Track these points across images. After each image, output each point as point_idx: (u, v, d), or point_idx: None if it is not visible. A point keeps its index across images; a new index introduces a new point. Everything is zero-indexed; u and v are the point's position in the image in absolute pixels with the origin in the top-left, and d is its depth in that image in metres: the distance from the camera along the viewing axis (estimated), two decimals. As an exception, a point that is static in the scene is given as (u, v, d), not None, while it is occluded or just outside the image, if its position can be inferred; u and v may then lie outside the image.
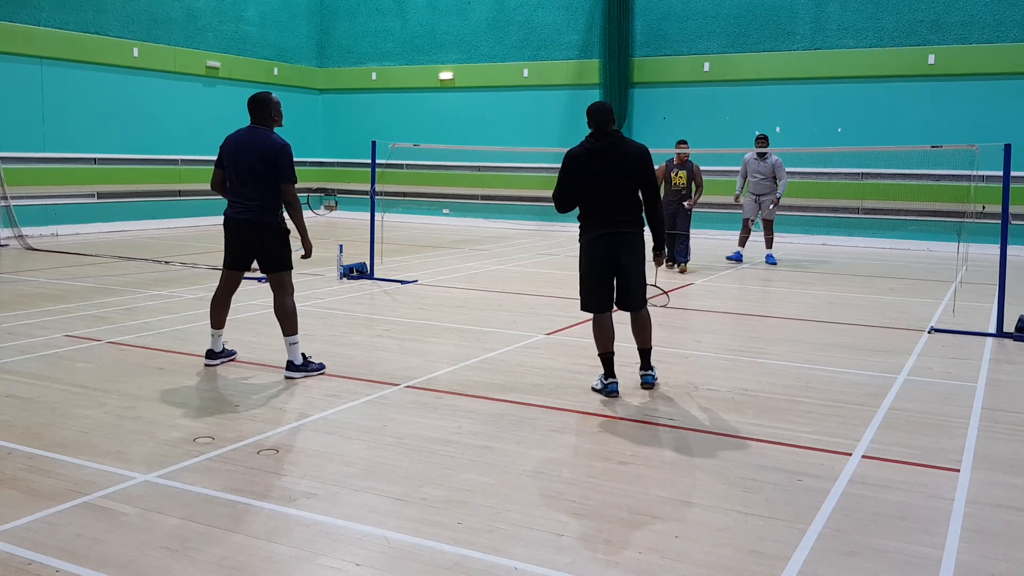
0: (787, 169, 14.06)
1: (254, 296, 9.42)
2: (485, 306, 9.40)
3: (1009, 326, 8.24)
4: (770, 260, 13.87)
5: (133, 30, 17.72)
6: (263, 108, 6.26)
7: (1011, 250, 9.58)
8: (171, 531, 3.65)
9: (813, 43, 17.62)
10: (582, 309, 6.10)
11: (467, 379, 6.26)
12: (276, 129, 6.35)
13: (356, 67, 22.24)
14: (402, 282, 10.91)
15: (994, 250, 10.01)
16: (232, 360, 6.65)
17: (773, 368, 6.81)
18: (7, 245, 14.62)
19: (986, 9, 16.26)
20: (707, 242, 16.74)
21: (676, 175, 12.67)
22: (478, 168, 20.90)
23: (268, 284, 6.49)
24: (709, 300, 10.27)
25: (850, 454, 4.76)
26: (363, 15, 22.02)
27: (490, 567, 3.39)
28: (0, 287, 10.24)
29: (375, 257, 11.35)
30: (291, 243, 6.36)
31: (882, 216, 17.15)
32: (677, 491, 4.21)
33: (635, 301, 6.02)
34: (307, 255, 6.39)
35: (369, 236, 11.41)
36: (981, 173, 14.30)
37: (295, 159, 6.30)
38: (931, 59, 16.61)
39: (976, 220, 15.49)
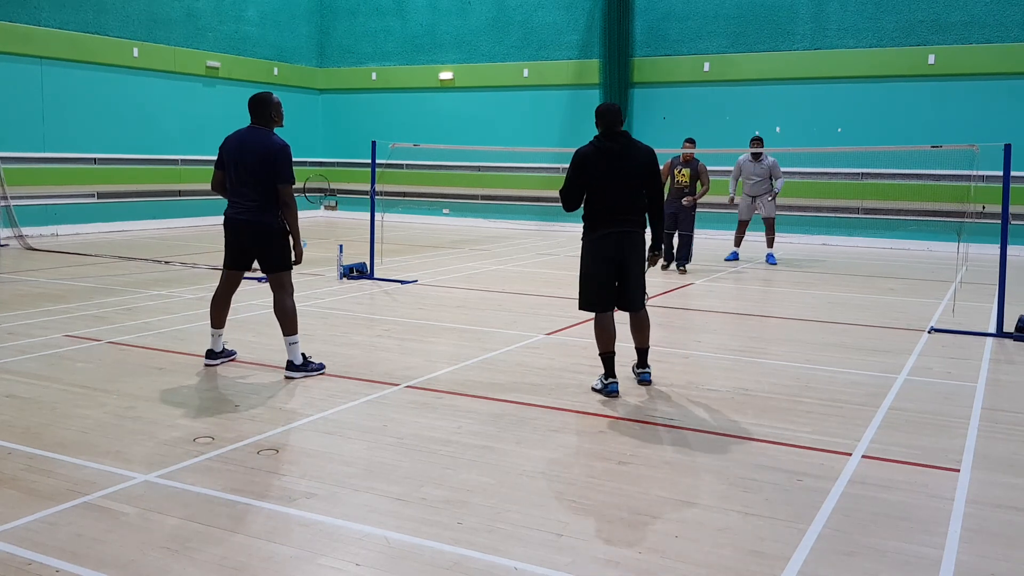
0: (788, 169, 14.09)
1: (254, 296, 9.42)
2: (485, 306, 9.40)
3: (1009, 326, 8.24)
4: (771, 260, 13.87)
5: (133, 30, 17.72)
6: (264, 108, 6.26)
7: (1011, 250, 9.58)
8: (171, 531, 3.66)
9: (813, 43, 17.62)
10: (580, 308, 6.08)
11: (467, 379, 6.26)
12: (276, 130, 6.36)
13: (356, 67, 22.24)
14: (402, 282, 10.91)
15: (994, 250, 10.02)
16: (232, 360, 6.65)
17: (773, 368, 6.81)
18: (7, 245, 14.62)
19: (986, 9, 16.26)
20: (707, 242, 16.74)
21: (680, 173, 12.64)
22: (478, 168, 20.90)
23: (268, 284, 6.49)
24: (709, 300, 10.27)
25: (850, 454, 4.76)
26: (363, 15, 22.02)
27: (490, 567, 3.39)
28: (0, 287, 10.24)
29: (375, 257, 11.35)
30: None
31: (882, 216, 17.15)
32: (677, 491, 4.21)
33: (636, 301, 6.04)
34: (297, 261, 6.36)
35: (369, 236, 11.41)
36: (981, 173, 14.30)
37: (295, 159, 6.30)
38: (931, 59, 16.61)
39: (976, 220, 15.49)
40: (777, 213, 14.24)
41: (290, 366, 6.23)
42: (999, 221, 8.36)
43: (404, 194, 21.07)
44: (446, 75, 21.07)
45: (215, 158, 6.43)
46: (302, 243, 6.35)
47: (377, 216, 11.59)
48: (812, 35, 17.62)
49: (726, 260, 14.15)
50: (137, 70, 17.79)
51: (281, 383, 6.09)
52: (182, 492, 4.09)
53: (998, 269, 8.41)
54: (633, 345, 6.26)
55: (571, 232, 18.82)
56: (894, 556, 3.54)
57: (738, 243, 14.35)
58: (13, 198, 15.47)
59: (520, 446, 4.82)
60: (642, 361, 6.23)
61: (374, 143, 11.49)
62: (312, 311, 8.68)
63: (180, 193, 18.82)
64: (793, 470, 4.51)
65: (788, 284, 11.82)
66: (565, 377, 6.37)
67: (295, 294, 6.48)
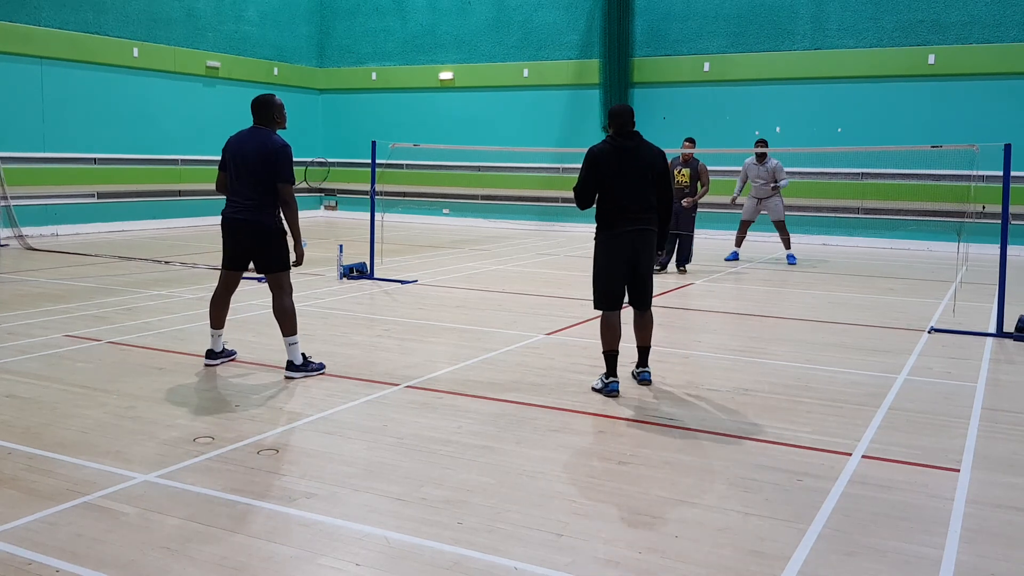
0: (788, 169, 14.15)
1: (254, 296, 9.42)
2: (485, 306, 9.40)
3: (1009, 326, 8.24)
4: (791, 260, 13.94)
5: (133, 30, 17.72)
6: (266, 110, 6.28)
7: (1011, 250, 9.58)
8: (171, 531, 3.65)
9: (813, 43, 17.62)
10: (596, 307, 6.09)
11: (467, 379, 6.26)
12: (279, 132, 6.37)
13: (356, 67, 22.24)
14: (402, 282, 10.91)
15: (994, 250, 10.02)
16: (232, 360, 6.65)
17: (773, 368, 6.81)
18: (7, 245, 14.62)
19: (986, 9, 16.26)
20: (708, 242, 16.74)
21: (679, 173, 12.62)
22: (478, 168, 20.90)
23: (267, 284, 6.49)
24: (709, 300, 10.27)
25: (850, 454, 4.76)
26: (363, 15, 22.02)
27: (490, 567, 3.39)
28: (0, 287, 10.24)
29: (375, 257, 11.35)
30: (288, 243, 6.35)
31: (882, 216, 17.15)
32: (677, 491, 4.21)
33: (647, 299, 6.09)
34: (298, 262, 6.34)
35: (369, 236, 11.41)
36: (981, 173, 14.30)
37: (295, 159, 6.30)
38: (931, 59, 16.61)
39: (976, 220, 15.49)
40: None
41: (290, 366, 6.23)
42: (999, 221, 8.36)
43: (404, 194, 21.07)
44: (446, 75, 21.07)
45: (215, 158, 6.43)
46: (303, 243, 6.35)
47: (377, 216, 11.59)
48: (812, 35, 17.62)
49: (726, 260, 14.16)
50: (137, 70, 17.79)
51: (281, 383, 6.09)
52: (182, 492, 4.09)
53: (998, 269, 8.41)
54: (634, 344, 6.26)
55: (571, 232, 18.83)
56: (894, 556, 3.54)
57: (739, 243, 14.39)
58: (13, 198, 15.47)
59: (520, 446, 4.82)
60: (643, 360, 6.24)
61: (374, 143, 11.49)
62: (312, 311, 8.68)
63: (180, 193, 18.82)
64: (793, 470, 4.51)
65: (788, 284, 11.82)
66: (565, 377, 6.37)
67: (294, 294, 6.48)
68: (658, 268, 12.68)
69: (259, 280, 10.11)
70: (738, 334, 8.30)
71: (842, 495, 4.17)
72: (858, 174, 17.23)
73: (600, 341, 6.04)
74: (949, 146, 10.98)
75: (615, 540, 3.66)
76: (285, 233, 6.29)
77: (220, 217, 6.38)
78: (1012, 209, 10.86)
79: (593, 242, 6.12)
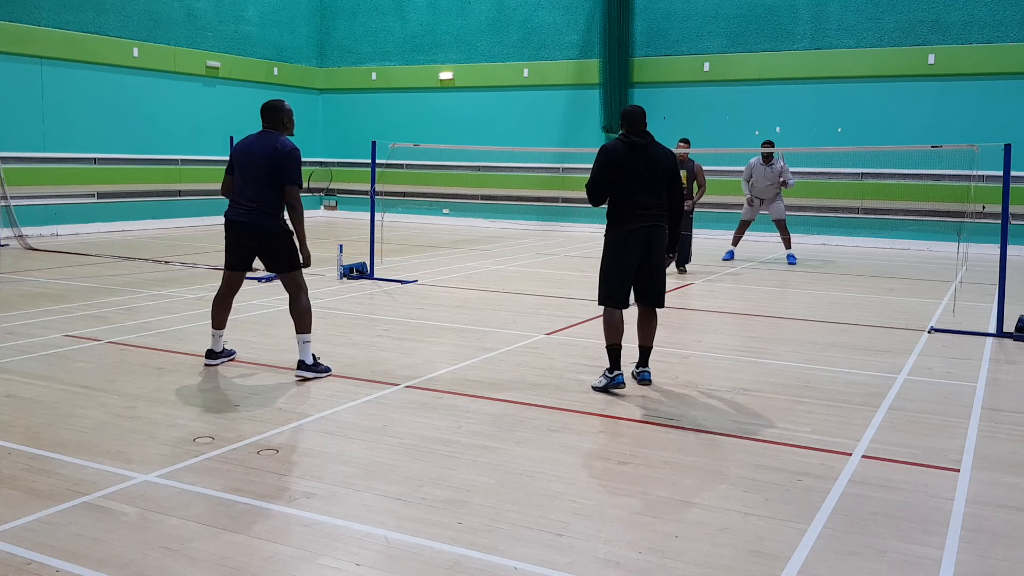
0: (790, 170, 14.18)
1: (255, 296, 9.42)
2: (485, 306, 9.40)
3: (1009, 326, 8.24)
4: (791, 260, 13.94)
5: (133, 30, 17.72)
6: (276, 114, 6.31)
7: (1011, 250, 9.59)
8: (171, 531, 3.66)
9: (813, 43, 17.62)
10: (600, 303, 6.09)
11: (467, 379, 6.26)
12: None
13: (356, 67, 22.24)
14: (402, 282, 10.91)
15: (994, 250, 10.02)
16: (232, 360, 6.65)
17: (773, 368, 6.81)
18: (7, 245, 14.62)
19: (986, 9, 16.26)
20: (708, 242, 16.74)
21: None
22: (478, 168, 20.90)
23: (277, 284, 6.47)
24: (709, 300, 10.27)
25: (850, 454, 4.76)
26: (363, 15, 22.02)
27: (490, 567, 3.39)
28: (0, 287, 10.24)
29: (375, 257, 11.35)
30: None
31: (882, 216, 17.15)
32: (677, 491, 4.21)
33: (660, 296, 6.11)
34: (306, 264, 6.35)
35: (369, 236, 11.41)
36: (981, 173, 14.31)
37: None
38: (931, 59, 16.61)
39: (976, 220, 15.49)
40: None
41: (301, 365, 6.20)
42: (999, 221, 8.36)
43: (404, 194, 21.07)
44: (446, 75, 21.07)
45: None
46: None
47: (377, 216, 11.59)
48: (812, 35, 17.62)
49: (723, 260, 14.17)
50: (137, 70, 17.79)
51: (282, 383, 6.09)
52: (182, 492, 4.09)
53: (998, 269, 8.41)
54: (636, 344, 6.25)
55: (571, 232, 18.82)
56: (894, 556, 3.54)
57: (736, 243, 14.40)
58: (13, 198, 15.47)
59: (520, 446, 4.82)
60: (643, 360, 6.24)
61: (374, 143, 11.49)
62: (312, 311, 8.66)
63: (180, 193, 18.81)
64: (793, 470, 4.51)
65: (788, 284, 11.83)
66: (565, 377, 6.37)
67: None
68: (681, 269, 12.65)
69: (260, 280, 10.12)
70: (738, 334, 8.31)
71: (842, 495, 4.17)
72: (858, 174, 17.23)
73: (603, 337, 6.04)
74: (949, 146, 10.98)
75: (615, 540, 3.66)
76: (291, 233, 6.29)
77: (223, 218, 6.39)
78: (1012, 209, 10.87)
79: (603, 240, 6.12)
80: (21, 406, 5.42)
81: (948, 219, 16.04)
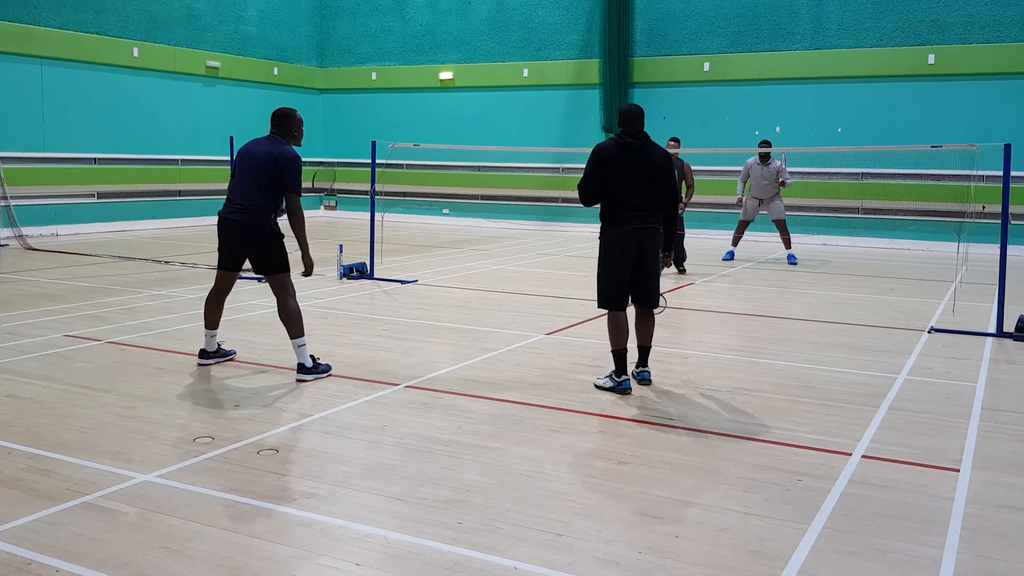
0: (788, 169, 14.16)
1: (254, 296, 9.42)
2: (485, 306, 9.40)
3: (1009, 326, 8.24)
4: (792, 260, 13.93)
5: (133, 30, 17.72)
6: (286, 122, 6.31)
7: (1011, 250, 9.58)
8: (171, 531, 3.65)
9: (813, 43, 17.62)
10: (600, 306, 6.09)
11: (467, 379, 6.26)
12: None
13: (356, 67, 22.24)
14: (402, 282, 10.91)
15: (994, 250, 10.02)
16: (231, 360, 6.65)
17: (773, 368, 6.81)
18: (7, 245, 14.62)
19: (986, 9, 16.26)
20: (707, 242, 16.74)
21: None
22: (478, 168, 20.91)
23: (269, 286, 6.47)
24: (709, 300, 10.27)
25: (850, 454, 4.76)
26: (363, 15, 22.02)
27: (490, 567, 3.39)
28: (0, 287, 10.24)
29: (375, 257, 11.35)
30: (286, 246, 6.33)
31: (882, 216, 17.15)
32: (677, 491, 4.21)
33: (654, 297, 6.10)
34: (307, 273, 6.31)
35: (369, 236, 11.41)
36: (981, 173, 14.31)
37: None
38: (931, 59, 16.61)
39: (976, 220, 15.49)
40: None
41: (301, 368, 6.19)
42: (999, 221, 8.36)
43: (404, 194, 21.07)
44: (446, 75, 21.07)
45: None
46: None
47: (377, 216, 11.59)
48: (812, 35, 17.62)
49: (723, 260, 14.17)
50: (137, 70, 17.79)
51: (282, 383, 6.09)
52: (182, 492, 4.09)
53: (998, 269, 8.41)
54: (635, 344, 6.26)
55: (571, 232, 18.82)
56: (894, 556, 3.54)
57: (736, 243, 14.41)
58: (13, 198, 15.47)
59: (520, 446, 4.82)
60: (643, 360, 6.24)
61: (374, 143, 11.49)
62: (312, 311, 8.68)
63: (180, 193, 18.81)
64: (793, 470, 4.51)
65: (788, 284, 11.83)
66: (565, 377, 6.37)
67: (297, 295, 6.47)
68: (681, 270, 12.64)
69: (260, 280, 10.12)
70: (738, 334, 8.30)
71: (842, 495, 4.17)
72: (858, 174, 17.23)
73: (608, 341, 6.03)
74: (949, 146, 10.99)
75: (615, 540, 3.66)
76: (282, 236, 6.28)
77: (216, 217, 6.39)
78: (1012, 209, 10.87)
79: (597, 242, 6.12)
80: (21, 406, 5.42)
81: (948, 219, 16.04)
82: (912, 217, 16.79)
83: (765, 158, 13.63)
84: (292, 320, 6.21)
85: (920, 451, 4.85)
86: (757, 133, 17.30)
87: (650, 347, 6.25)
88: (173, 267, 12.11)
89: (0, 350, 6.90)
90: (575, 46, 19.77)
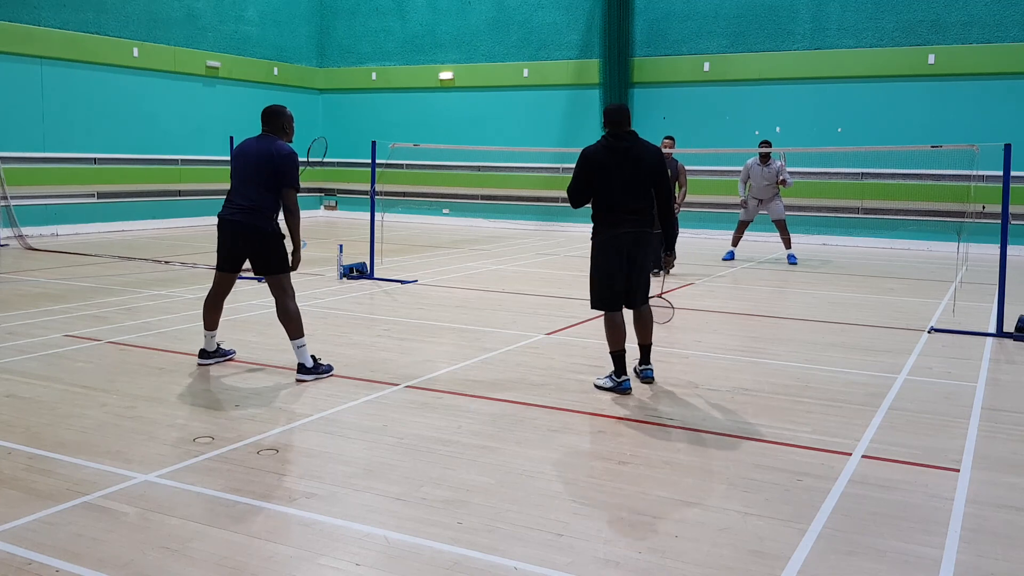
0: (788, 169, 14.17)
1: (254, 296, 9.42)
2: (485, 306, 9.40)
3: (1009, 326, 8.24)
4: (792, 260, 13.94)
5: (133, 30, 17.72)
6: (277, 119, 6.31)
7: (1011, 250, 9.59)
8: (171, 531, 3.66)
9: (813, 43, 17.62)
10: (593, 307, 6.09)
11: (467, 379, 6.26)
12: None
13: (356, 67, 22.24)
14: (402, 282, 10.91)
15: (994, 250, 10.02)
16: (230, 359, 6.65)
17: (773, 368, 6.81)
18: (7, 245, 14.62)
19: (986, 9, 16.26)
20: (707, 242, 16.74)
21: None
22: (478, 168, 20.91)
23: (268, 287, 6.47)
24: (709, 300, 10.27)
25: (850, 454, 4.76)
26: (363, 15, 22.02)
27: (490, 567, 3.39)
28: (0, 287, 10.24)
29: (375, 257, 11.35)
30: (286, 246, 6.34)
31: (882, 216, 17.15)
32: (677, 491, 4.21)
33: (641, 297, 6.09)
34: (293, 267, 6.32)
35: (369, 236, 11.41)
36: (981, 173, 14.30)
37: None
38: (931, 59, 16.61)
39: (976, 220, 15.49)
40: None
41: (301, 369, 6.19)
42: (999, 221, 8.36)
43: (404, 194, 21.07)
44: (446, 75, 21.07)
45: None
46: (301, 243, 6.34)
47: (377, 216, 11.59)
48: (812, 35, 17.62)
49: (723, 260, 14.17)
50: (137, 70, 17.79)
51: (282, 383, 6.09)
52: (182, 492, 4.09)
53: (998, 269, 8.41)
54: (636, 343, 6.26)
55: (571, 232, 18.82)
56: (894, 556, 3.54)
57: (736, 243, 14.41)
58: (13, 198, 15.47)
59: (520, 446, 4.82)
60: (645, 358, 6.25)
61: (374, 143, 11.49)
62: (312, 311, 8.68)
63: (180, 193, 18.81)
64: (793, 470, 4.51)
65: (788, 284, 11.83)
66: (565, 377, 6.37)
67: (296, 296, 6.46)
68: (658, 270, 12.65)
69: (260, 280, 10.11)
70: (738, 334, 8.30)
71: (842, 495, 4.17)
72: (858, 174, 17.23)
73: (607, 343, 6.03)
74: (949, 146, 10.99)
75: (615, 540, 3.66)
76: (282, 236, 6.28)
77: (216, 218, 6.39)
78: (1012, 209, 10.87)
79: (590, 244, 6.12)
80: (21, 406, 5.42)
81: (948, 219, 16.04)
82: (912, 217, 16.79)
83: (765, 158, 13.63)
84: (291, 321, 6.21)
85: (920, 451, 4.85)
86: (757, 133, 17.30)
87: (651, 344, 6.25)
88: (173, 267, 12.11)
89: (0, 350, 6.90)
90: (575, 46, 19.77)
